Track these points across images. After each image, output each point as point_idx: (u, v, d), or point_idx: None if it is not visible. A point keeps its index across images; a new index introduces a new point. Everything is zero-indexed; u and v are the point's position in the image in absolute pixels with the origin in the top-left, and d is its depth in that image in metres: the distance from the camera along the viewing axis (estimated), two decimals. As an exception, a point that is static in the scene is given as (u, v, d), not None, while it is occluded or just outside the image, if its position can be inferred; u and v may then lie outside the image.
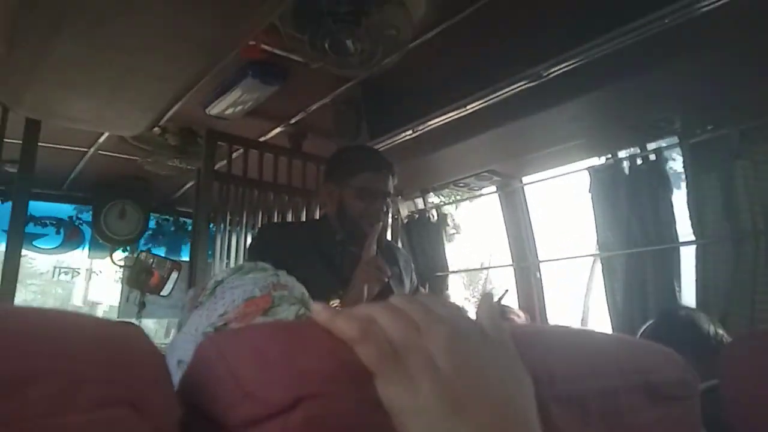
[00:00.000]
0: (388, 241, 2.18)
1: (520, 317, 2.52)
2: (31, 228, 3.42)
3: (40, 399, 0.27)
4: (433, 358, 0.37)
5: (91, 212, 3.54)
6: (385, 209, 1.68)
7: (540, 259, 2.74)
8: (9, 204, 2.23)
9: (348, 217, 1.66)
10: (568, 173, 2.62)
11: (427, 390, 0.35)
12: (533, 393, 0.41)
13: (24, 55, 1.43)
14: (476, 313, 0.44)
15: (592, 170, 2.44)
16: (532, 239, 2.75)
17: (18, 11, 1.26)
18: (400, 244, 3.15)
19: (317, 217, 2.73)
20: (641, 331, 1.53)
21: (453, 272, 3.13)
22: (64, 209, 3.61)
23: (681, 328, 1.43)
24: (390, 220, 1.85)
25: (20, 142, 2.13)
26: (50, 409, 0.27)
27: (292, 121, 2.68)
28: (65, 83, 1.54)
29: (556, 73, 1.83)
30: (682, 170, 2.10)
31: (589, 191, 2.43)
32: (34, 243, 3.48)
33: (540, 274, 2.76)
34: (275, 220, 2.83)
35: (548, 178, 2.71)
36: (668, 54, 1.62)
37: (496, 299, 1.68)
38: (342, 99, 2.43)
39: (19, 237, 2.17)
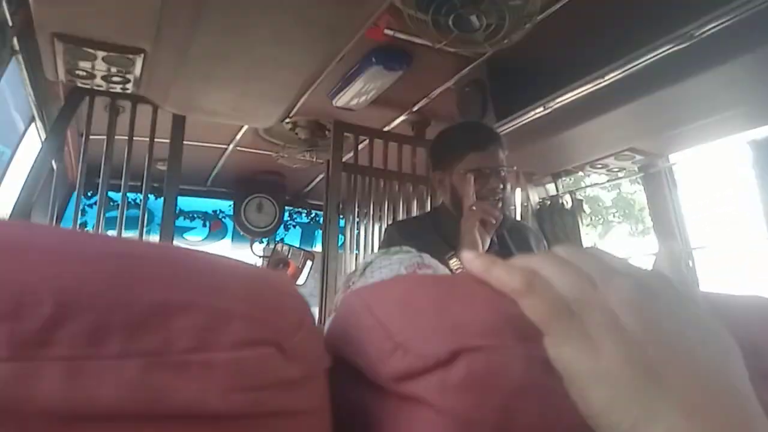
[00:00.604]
0: (515, 219, 2.08)
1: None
2: (180, 222, 3.75)
3: (183, 332, 0.25)
4: (617, 315, 0.30)
5: (232, 206, 3.81)
6: (501, 186, 1.57)
7: (692, 246, 2.48)
8: (161, 200, 2.44)
9: (462, 202, 1.55)
10: (724, 151, 2.34)
11: (611, 352, 0.29)
12: (742, 361, 0.33)
13: (168, 52, 1.53)
14: (656, 265, 0.37)
15: (753, 144, 2.16)
16: (683, 224, 2.50)
17: (161, 9, 1.35)
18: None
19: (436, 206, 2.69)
20: None
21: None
22: (209, 204, 3.92)
23: None
24: (511, 197, 1.73)
25: (168, 140, 2.32)
26: (194, 344, 0.25)
27: (415, 108, 2.66)
28: (205, 76, 1.64)
29: (708, 33, 1.62)
30: None
31: (753, 167, 2.16)
32: (183, 235, 3.81)
33: (693, 264, 2.50)
34: (400, 209, 2.84)
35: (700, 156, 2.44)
36: None
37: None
38: (466, 81, 2.36)
39: (171, 229, 2.37)
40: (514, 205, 2.87)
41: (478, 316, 0.31)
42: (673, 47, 1.70)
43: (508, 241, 1.65)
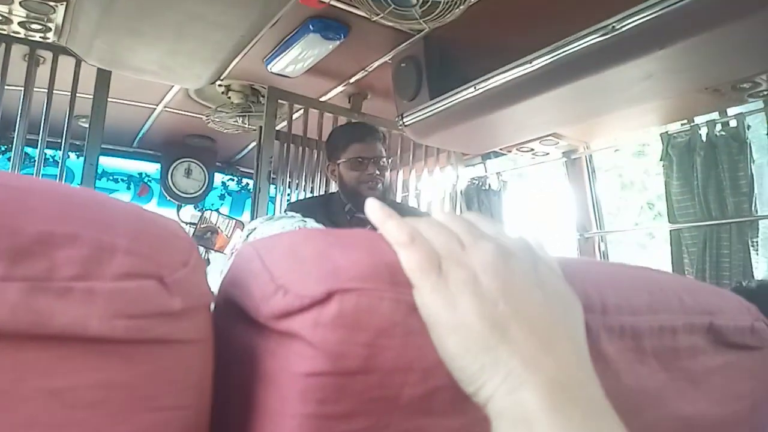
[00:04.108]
0: (396, 203, 2.47)
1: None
2: (104, 183, 3.60)
3: (67, 261, 0.27)
4: (476, 273, 0.35)
5: (159, 169, 3.69)
6: (378, 172, 1.89)
7: (606, 229, 2.64)
8: (82, 159, 2.35)
9: (347, 187, 1.90)
10: (639, 140, 2.49)
11: (466, 305, 0.34)
12: (582, 318, 0.38)
13: (92, 1, 1.46)
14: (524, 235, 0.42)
15: (666, 136, 2.31)
16: (599, 208, 2.65)
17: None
18: (458, 211, 3.12)
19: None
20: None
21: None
22: (134, 166, 3.77)
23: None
24: (390, 183, 2.09)
25: (91, 96, 2.22)
26: (77, 272, 0.27)
27: (353, 80, 2.67)
28: (132, 31, 1.58)
29: (629, 26, 1.71)
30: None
31: (662, 160, 2.31)
32: (106, 197, 3.67)
33: (605, 246, 2.67)
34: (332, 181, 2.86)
35: (616, 145, 2.59)
36: (755, 5, 1.48)
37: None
38: (403, 56, 2.39)
39: (91, 188, 2.28)
40: (394, 191, 3.00)
41: (355, 262, 0.34)
42: (595, 38, 1.79)
43: None
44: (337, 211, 1.95)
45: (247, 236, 0.84)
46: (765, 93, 1.91)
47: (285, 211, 2.09)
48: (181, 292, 0.30)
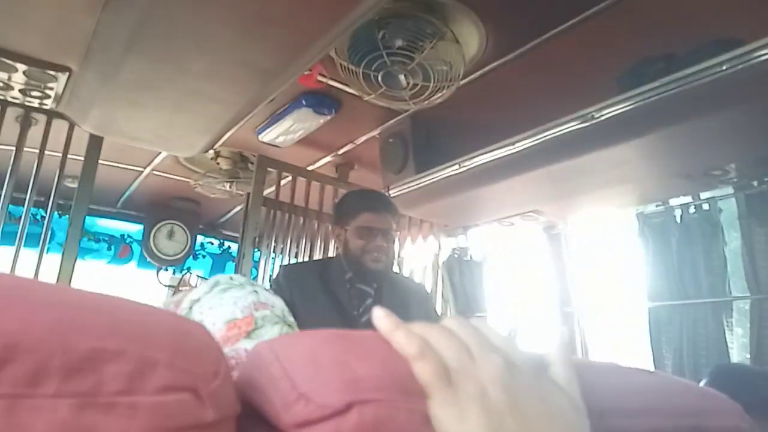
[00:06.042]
0: (402, 277, 2.38)
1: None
2: (84, 243, 3.55)
3: (114, 377, 0.28)
4: (485, 387, 0.37)
5: (141, 231, 3.66)
6: (385, 245, 1.83)
7: (585, 304, 2.68)
8: (65, 218, 2.34)
9: (352, 255, 1.83)
10: (617, 219, 2.58)
11: (474, 419, 0.36)
12: (588, 429, 0.40)
13: (95, 74, 1.51)
14: (548, 348, 0.44)
15: (642, 216, 2.39)
16: (577, 283, 2.70)
17: (93, 32, 1.35)
18: (440, 281, 3.15)
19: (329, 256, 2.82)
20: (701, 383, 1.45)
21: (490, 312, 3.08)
22: (117, 227, 3.74)
23: (746, 384, 1.35)
24: (394, 256, 2.01)
25: (81, 158, 2.24)
26: (123, 388, 0.28)
27: (341, 151, 2.74)
28: (131, 102, 1.62)
29: (607, 116, 1.81)
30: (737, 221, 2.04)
31: (639, 237, 2.38)
32: (86, 257, 3.61)
33: (582, 322, 2.70)
34: (318, 248, 2.88)
35: (595, 223, 2.67)
36: (724, 102, 1.59)
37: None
38: (390, 132, 2.47)
39: (75, 250, 2.27)
40: (399, 262, 3.03)
41: (372, 372, 0.36)
42: (575, 125, 1.89)
43: (383, 295, 1.86)
44: (336, 277, 1.86)
45: (190, 308, 0.74)
46: (734, 180, 2.01)
47: (272, 278, 2.02)
48: (214, 403, 0.31)
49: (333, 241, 2.64)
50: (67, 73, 1.60)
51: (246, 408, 0.39)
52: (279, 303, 0.77)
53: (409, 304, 1.93)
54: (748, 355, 1.95)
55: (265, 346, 0.41)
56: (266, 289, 0.79)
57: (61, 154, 2.21)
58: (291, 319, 0.76)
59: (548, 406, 0.38)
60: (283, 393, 0.36)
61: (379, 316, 0.41)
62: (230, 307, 0.72)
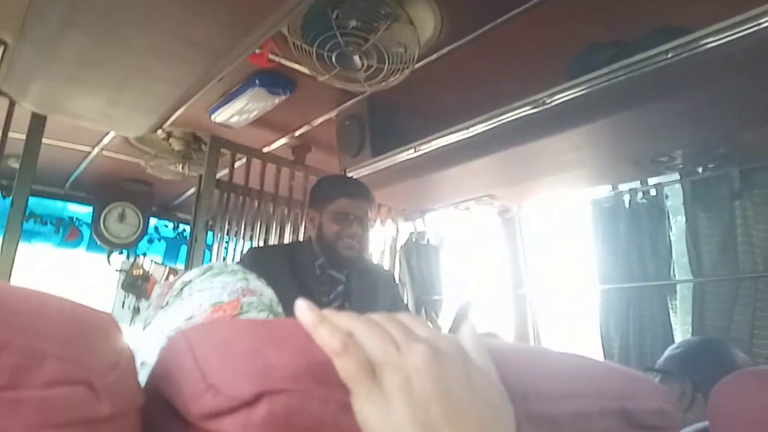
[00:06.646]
0: (374, 264, 2.35)
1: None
2: (30, 225, 3.42)
3: (-5, 371, 0.27)
4: (410, 377, 0.37)
5: (91, 213, 3.54)
6: (360, 232, 1.80)
7: (538, 287, 2.73)
8: (8, 200, 2.24)
9: (325, 240, 1.80)
10: (569, 204, 2.63)
11: (400, 410, 0.35)
12: (512, 417, 0.40)
13: (33, 48, 1.44)
14: (456, 331, 0.44)
15: (593, 201, 2.45)
16: (530, 267, 2.75)
17: (30, 3, 1.28)
18: (397, 264, 3.16)
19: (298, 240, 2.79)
20: (668, 354, 1.49)
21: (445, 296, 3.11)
22: (65, 208, 3.61)
23: (715, 354, 1.41)
24: (369, 243, 1.99)
25: (24, 137, 2.14)
26: (5, 382, 0.27)
27: (297, 133, 2.70)
28: (72, 79, 1.55)
29: (558, 101, 1.83)
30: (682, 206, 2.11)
31: (591, 222, 2.44)
32: (31, 240, 3.47)
33: (534, 305, 2.75)
34: (273, 231, 2.84)
35: (548, 208, 2.72)
36: (670, 89, 1.63)
37: (466, 312, 1.69)
38: (347, 114, 2.44)
39: (17, 233, 2.18)
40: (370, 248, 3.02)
41: (286, 361, 0.35)
42: (528, 110, 1.90)
43: (353, 282, 1.85)
44: (305, 262, 1.82)
45: (181, 289, 0.76)
46: (680, 166, 2.07)
47: (238, 261, 1.96)
48: (111, 396, 0.30)
49: (305, 224, 2.62)
50: (2, 47, 1.51)
51: (157, 399, 0.37)
52: (268, 292, 0.77)
53: (377, 291, 1.92)
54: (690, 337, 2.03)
55: (181, 335, 0.40)
56: (258, 279, 0.79)
57: (0, 133, 2.11)
58: (279, 309, 0.75)
59: (475, 392, 0.38)
60: (192, 383, 0.35)
61: (302, 308, 0.40)
62: (218, 290, 0.72)
